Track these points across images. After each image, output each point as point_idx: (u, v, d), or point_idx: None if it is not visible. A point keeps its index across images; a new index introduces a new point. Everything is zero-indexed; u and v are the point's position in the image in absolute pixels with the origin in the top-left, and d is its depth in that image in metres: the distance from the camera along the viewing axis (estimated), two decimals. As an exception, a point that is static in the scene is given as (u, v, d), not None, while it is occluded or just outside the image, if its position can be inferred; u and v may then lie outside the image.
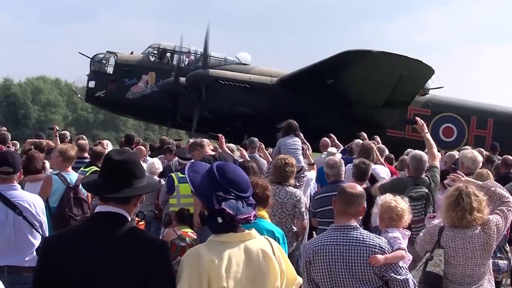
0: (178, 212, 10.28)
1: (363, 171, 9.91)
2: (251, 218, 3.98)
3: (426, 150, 9.77)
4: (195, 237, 9.65)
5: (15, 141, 17.09)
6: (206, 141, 11.81)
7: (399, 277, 5.62)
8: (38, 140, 15.66)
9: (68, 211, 8.84)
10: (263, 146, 16.40)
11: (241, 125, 27.31)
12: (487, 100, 30.51)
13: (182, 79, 27.24)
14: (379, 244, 5.67)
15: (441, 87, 30.83)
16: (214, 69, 28.01)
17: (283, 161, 9.38)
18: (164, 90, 27.92)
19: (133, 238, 3.92)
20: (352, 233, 5.73)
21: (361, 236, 5.71)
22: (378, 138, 16.79)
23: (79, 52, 31.51)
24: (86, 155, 12.86)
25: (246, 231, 4.03)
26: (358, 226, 5.84)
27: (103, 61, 30.43)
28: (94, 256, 3.82)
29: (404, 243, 6.22)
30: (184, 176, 4.26)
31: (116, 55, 30.50)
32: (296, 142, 13.63)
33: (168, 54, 30.27)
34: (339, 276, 5.66)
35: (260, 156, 15.42)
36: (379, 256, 5.59)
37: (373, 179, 10.52)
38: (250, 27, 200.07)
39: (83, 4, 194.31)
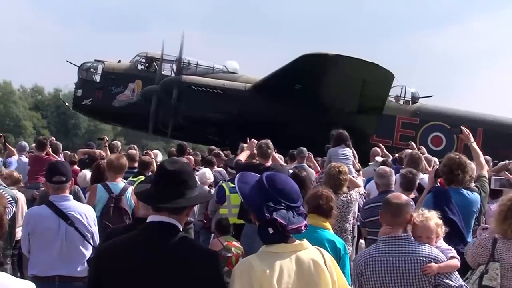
0: (217, 222, 10.34)
1: (410, 181, 9.82)
2: (302, 228, 3.95)
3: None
4: (239, 246, 9.69)
5: (66, 151, 17.28)
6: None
7: (453, 283, 5.60)
8: (91, 150, 15.82)
9: (105, 220, 8.90)
10: (312, 155, 16.40)
11: (214, 131, 27.77)
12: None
13: None
14: (431, 253, 5.66)
15: (431, 96, 30.78)
16: (188, 75, 28.25)
17: (337, 169, 9.37)
18: (145, 97, 28.14)
19: (185, 249, 3.95)
20: (403, 244, 5.71)
21: (413, 247, 5.70)
22: (423, 149, 16.67)
23: (67, 61, 31.95)
24: (136, 165, 12.95)
25: (298, 241, 4.00)
26: (408, 236, 5.82)
27: (91, 69, 30.56)
28: (146, 266, 3.85)
29: (454, 251, 6.15)
30: (235, 186, 4.25)
31: (104, 63, 30.62)
32: (347, 152, 13.58)
33: (155, 62, 30.22)
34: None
35: (309, 166, 15.40)
36: (434, 265, 5.59)
37: (422, 189, 10.43)
38: (299, 36, 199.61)
39: (134, 13, 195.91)
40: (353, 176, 11.14)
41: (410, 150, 14.20)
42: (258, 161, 11.11)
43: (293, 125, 25.09)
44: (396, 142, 27.64)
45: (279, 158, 12.71)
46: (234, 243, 9.74)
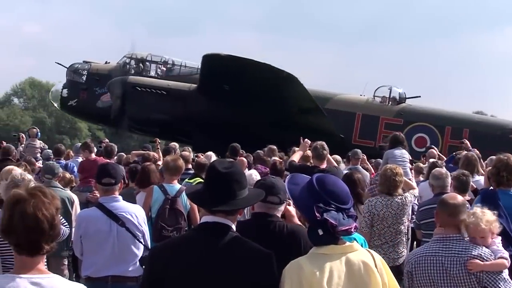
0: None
1: (464, 183, 9.67)
2: (352, 230, 3.95)
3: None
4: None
5: (122, 153, 17.44)
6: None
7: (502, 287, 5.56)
8: (145, 151, 15.92)
9: (160, 221, 8.97)
10: (365, 157, 16.34)
11: (158, 131, 28.03)
12: None
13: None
14: (480, 254, 5.65)
15: (418, 97, 30.00)
16: (134, 76, 28.86)
17: (392, 171, 9.32)
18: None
19: (239, 249, 3.99)
20: (453, 244, 5.71)
21: (462, 247, 5.69)
22: (476, 151, 16.50)
23: (56, 62, 32.65)
24: (190, 166, 13.01)
25: (348, 243, 4.00)
26: (461, 237, 5.79)
27: (78, 70, 31.11)
28: (201, 267, 3.90)
29: (506, 253, 6.08)
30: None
31: (90, 64, 31.17)
32: (404, 154, 13.55)
33: (141, 63, 30.59)
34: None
35: (365, 168, 15.35)
36: (477, 262, 5.58)
37: (477, 191, 10.30)
38: (348, 38, 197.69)
39: (189, 16, 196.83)
40: (409, 179, 11.08)
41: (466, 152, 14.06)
42: (313, 163, 11.10)
43: (244, 126, 25.31)
44: (379, 144, 27.00)
45: (334, 159, 12.69)
46: None
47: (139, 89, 27.73)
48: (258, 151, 15.75)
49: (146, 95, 27.59)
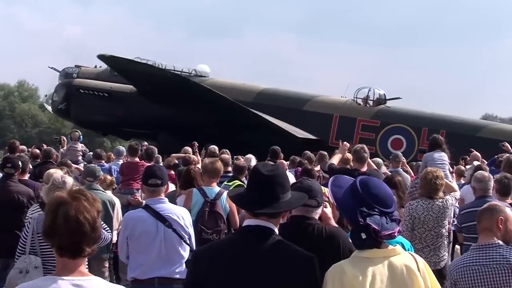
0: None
1: (506, 186, 9.56)
2: (395, 234, 3.92)
3: None
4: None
5: (158, 155, 17.51)
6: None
7: None
8: (185, 154, 15.98)
9: (200, 224, 8.96)
10: (405, 160, 16.25)
11: (102, 133, 30.06)
12: None
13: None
14: None
15: (398, 98, 29.33)
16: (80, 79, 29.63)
17: (433, 174, 9.26)
18: None
19: (281, 252, 3.99)
20: (495, 252, 5.64)
21: (503, 255, 5.60)
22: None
23: (49, 66, 33.62)
24: (229, 169, 13.01)
25: (390, 247, 3.97)
26: (501, 243, 5.70)
27: (69, 74, 31.74)
28: (244, 270, 3.92)
29: None
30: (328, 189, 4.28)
31: (80, 68, 31.85)
32: (443, 157, 13.46)
33: None
34: None
35: (406, 171, 15.27)
36: None
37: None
38: (388, 41, 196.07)
39: (228, 19, 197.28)
40: (449, 181, 10.98)
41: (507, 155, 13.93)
42: (353, 166, 11.05)
43: (192, 126, 25.42)
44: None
45: (375, 162, 12.63)
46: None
47: (83, 91, 28.56)
48: (307, 151, 15.84)
49: (89, 97, 28.40)
